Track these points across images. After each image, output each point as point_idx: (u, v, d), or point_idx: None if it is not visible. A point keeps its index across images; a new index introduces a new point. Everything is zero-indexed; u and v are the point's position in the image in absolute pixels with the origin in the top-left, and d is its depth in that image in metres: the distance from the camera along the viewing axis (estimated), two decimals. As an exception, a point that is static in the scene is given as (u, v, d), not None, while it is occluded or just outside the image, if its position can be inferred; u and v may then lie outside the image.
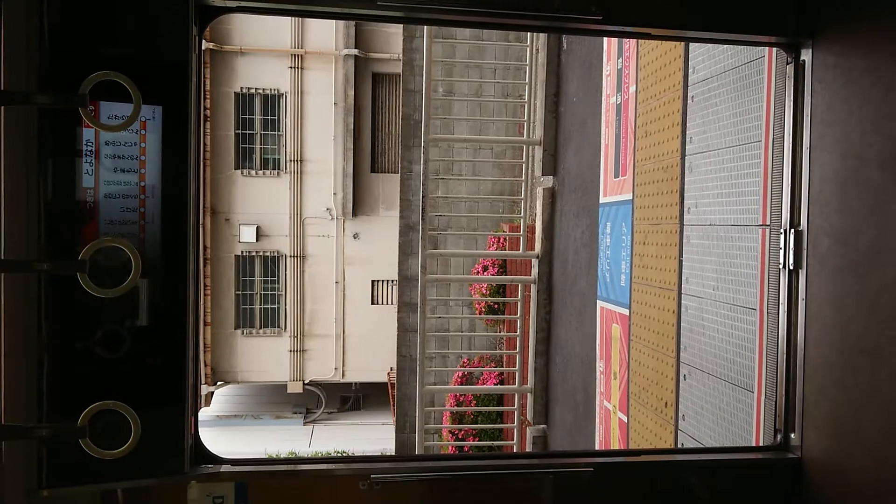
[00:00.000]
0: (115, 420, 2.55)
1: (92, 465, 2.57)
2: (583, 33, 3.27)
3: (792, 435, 3.40)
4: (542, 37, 9.01)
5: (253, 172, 17.31)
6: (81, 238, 2.74)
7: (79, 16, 2.72)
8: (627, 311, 6.60)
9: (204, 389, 16.94)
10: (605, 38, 7.01)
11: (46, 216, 2.67)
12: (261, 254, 17.60)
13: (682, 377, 5.46)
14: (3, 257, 2.47)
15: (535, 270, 9.03)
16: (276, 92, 16.91)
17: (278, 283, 17.68)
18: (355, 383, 19.49)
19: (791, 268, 3.41)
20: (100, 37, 2.76)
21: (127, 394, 2.63)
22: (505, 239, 10.19)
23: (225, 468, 3.04)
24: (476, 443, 9.33)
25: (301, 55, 16.92)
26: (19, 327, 2.61)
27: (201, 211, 3.06)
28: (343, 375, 18.15)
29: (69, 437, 2.40)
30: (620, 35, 3.28)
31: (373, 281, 17.91)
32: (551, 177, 9.06)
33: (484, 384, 10.03)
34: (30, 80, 2.55)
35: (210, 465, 3.04)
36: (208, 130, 16.12)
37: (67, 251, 2.70)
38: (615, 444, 6.64)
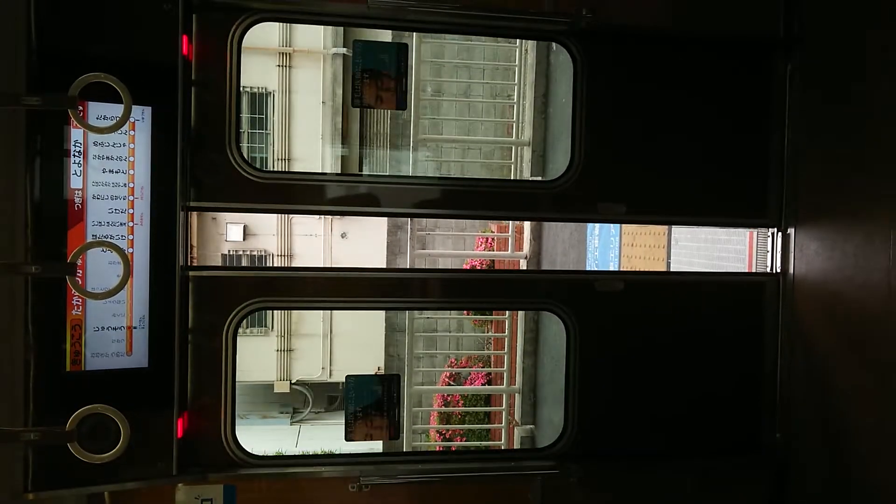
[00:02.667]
0: (103, 422, 2.54)
1: (79, 467, 2.55)
2: (570, 35, 3.28)
3: (778, 435, 3.42)
4: (531, 38, 9.03)
5: (240, 171, 17.21)
6: (69, 240, 2.72)
7: (67, 17, 2.70)
8: (615, 312, 6.62)
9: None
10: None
11: (34, 218, 2.64)
12: (248, 253, 17.49)
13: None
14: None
15: (523, 271, 9.05)
16: (263, 90, 16.82)
17: (265, 283, 17.57)
18: (342, 383, 19.42)
19: (778, 270, 3.43)
20: (89, 38, 2.74)
21: (115, 397, 2.62)
22: (493, 239, 10.20)
23: (213, 472, 3.03)
24: (464, 443, 9.33)
25: (289, 53, 16.84)
26: (6, 330, 2.59)
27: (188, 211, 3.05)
28: (330, 375, 18.07)
29: (58, 442, 2.38)
30: (614, 35, 3.30)
31: (360, 280, 17.81)
32: (540, 178, 9.08)
33: (471, 384, 10.03)
34: (18, 82, 2.52)
35: (198, 468, 3.03)
36: (195, 129, 15.99)
37: (55, 253, 2.68)
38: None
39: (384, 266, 10.57)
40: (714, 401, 3.42)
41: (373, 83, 3.20)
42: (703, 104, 3.39)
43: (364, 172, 17.10)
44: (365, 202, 3.18)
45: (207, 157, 3.01)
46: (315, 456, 3.24)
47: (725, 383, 3.43)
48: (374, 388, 3.27)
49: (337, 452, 3.36)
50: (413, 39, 8.52)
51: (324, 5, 3.07)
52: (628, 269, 6.24)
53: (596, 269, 7.08)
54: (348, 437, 3.25)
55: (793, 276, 3.38)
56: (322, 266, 3.14)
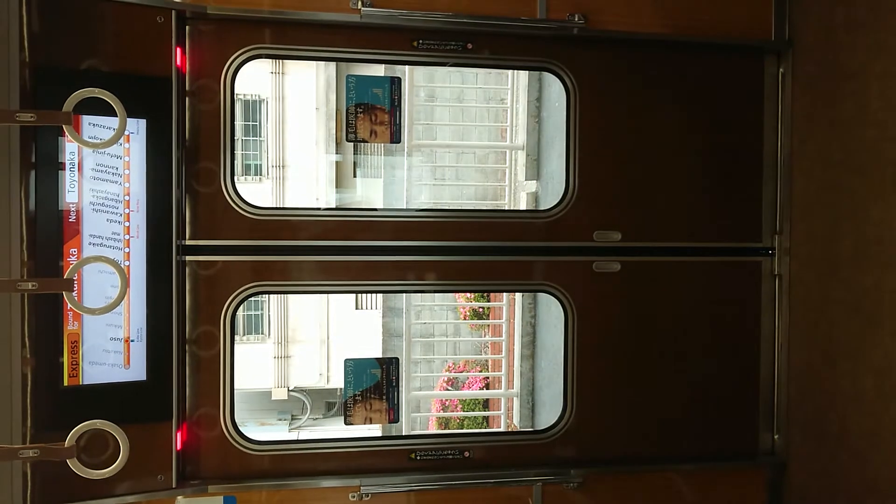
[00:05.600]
0: (101, 435, 2.54)
1: (78, 482, 2.55)
2: (566, 40, 3.30)
3: (776, 437, 3.43)
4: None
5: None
6: (65, 254, 2.72)
7: (60, 31, 2.70)
8: (612, 314, 6.61)
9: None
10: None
11: (30, 233, 2.64)
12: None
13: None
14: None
15: (519, 275, 9.02)
16: (256, 97, 16.81)
17: (261, 290, 17.52)
18: (340, 389, 19.39)
19: (775, 273, 3.45)
20: (82, 51, 2.74)
21: (113, 411, 2.61)
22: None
23: (213, 483, 3.02)
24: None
25: (282, 60, 16.83)
26: (2, 345, 2.58)
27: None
28: (328, 381, 18.05)
29: (57, 458, 2.37)
30: (603, 40, 3.33)
31: (357, 286, 17.77)
32: (534, 181, 9.09)
33: (469, 389, 10.04)
34: (12, 98, 2.52)
35: (198, 480, 3.03)
36: (189, 136, 15.93)
37: (52, 268, 2.68)
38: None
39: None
40: (710, 397, 3.44)
41: (366, 117, 3.22)
42: (696, 117, 3.42)
43: (358, 178, 17.12)
44: (361, 235, 3.20)
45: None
46: (317, 444, 3.23)
47: (722, 379, 3.45)
48: (372, 372, 3.27)
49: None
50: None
51: (317, 16, 3.08)
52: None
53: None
54: (347, 421, 3.25)
55: (789, 278, 3.39)
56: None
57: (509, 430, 8.87)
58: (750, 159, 3.45)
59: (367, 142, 3.29)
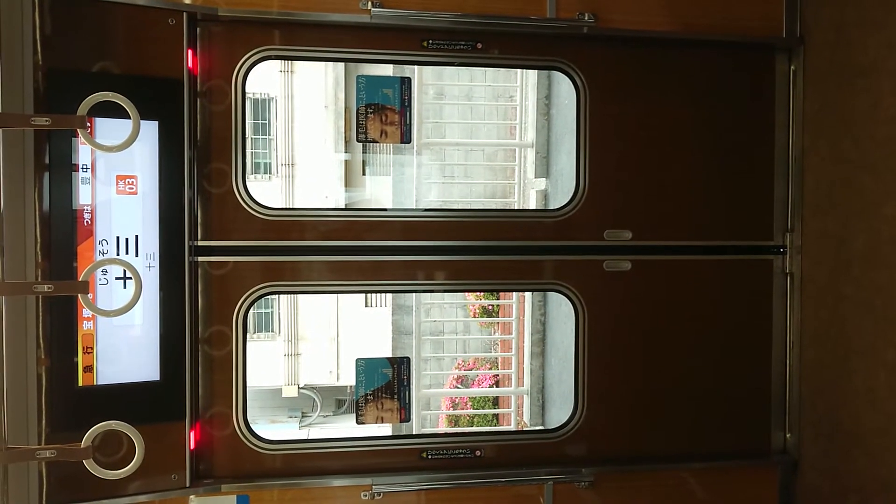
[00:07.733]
0: (115, 434, 2.56)
1: (92, 481, 2.57)
2: (576, 39, 3.30)
3: (788, 436, 3.43)
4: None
5: (244, 176, 17.21)
6: (80, 255, 2.74)
7: (72, 35, 2.72)
8: (622, 312, 6.59)
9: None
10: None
11: (45, 235, 2.66)
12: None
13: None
14: (3, 279, 2.47)
15: (528, 272, 9.01)
16: (266, 96, 16.86)
17: (271, 288, 17.56)
18: (350, 386, 19.44)
19: (786, 270, 3.44)
20: (94, 54, 2.76)
21: (128, 411, 2.63)
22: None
23: (226, 482, 3.05)
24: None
25: (290, 58, 16.83)
26: (18, 346, 2.60)
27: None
28: (338, 378, 18.10)
29: (73, 459, 2.40)
30: (613, 38, 3.32)
31: (366, 283, 17.78)
32: (544, 179, 9.07)
33: (479, 386, 10.04)
34: (26, 102, 2.54)
35: (211, 479, 3.06)
36: (198, 135, 15.98)
37: (66, 269, 2.70)
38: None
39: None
40: (722, 395, 3.44)
41: (377, 117, 3.22)
42: (707, 115, 3.41)
43: (367, 176, 17.12)
44: (371, 234, 3.21)
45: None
46: (328, 443, 3.27)
47: (733, 377, 3.44)
48: (384, 371, 3.28)
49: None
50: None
51: (327, 17, 3.09)
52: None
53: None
54: (359, 421, 3.27)
55: (801, 276, 3.38)
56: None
57: (520, 427, 8.88)
58: (761, 157, 3.44)
59: (377, 142, 3.30)
